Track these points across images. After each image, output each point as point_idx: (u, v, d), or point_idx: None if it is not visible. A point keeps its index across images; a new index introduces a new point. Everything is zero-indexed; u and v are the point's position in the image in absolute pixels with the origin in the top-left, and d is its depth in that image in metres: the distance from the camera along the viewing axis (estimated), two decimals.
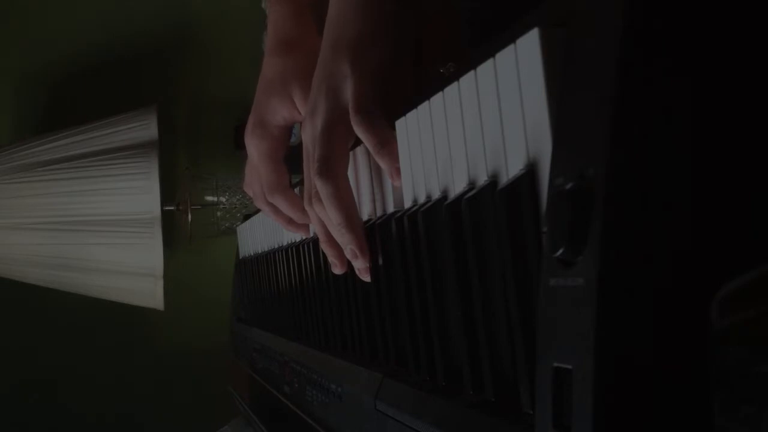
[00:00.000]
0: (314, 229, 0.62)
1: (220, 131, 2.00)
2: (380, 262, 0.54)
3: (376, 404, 0.53)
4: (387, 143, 0.52)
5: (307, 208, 0.60)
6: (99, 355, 1.92)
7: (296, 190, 0.74)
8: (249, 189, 0.76)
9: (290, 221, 0.74)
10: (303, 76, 0.69)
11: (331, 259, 0.60)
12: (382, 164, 0.52)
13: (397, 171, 0.51)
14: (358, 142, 0.56)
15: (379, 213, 0.56)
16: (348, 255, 0.56)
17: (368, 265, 0.55)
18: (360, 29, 0.56)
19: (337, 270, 0.60)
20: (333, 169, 0.55)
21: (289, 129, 0.73)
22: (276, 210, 0.74)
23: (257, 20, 0.78)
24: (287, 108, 0.71)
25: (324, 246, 0.60)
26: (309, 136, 0.58)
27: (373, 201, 0.56)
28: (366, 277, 0.56)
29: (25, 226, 1.65)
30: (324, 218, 0.58)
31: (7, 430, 1.91)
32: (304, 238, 0.74)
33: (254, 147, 0.72)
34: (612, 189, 0.27)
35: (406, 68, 0.56)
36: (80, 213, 1.64)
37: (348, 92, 0.55)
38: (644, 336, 0.27)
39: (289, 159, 0.72)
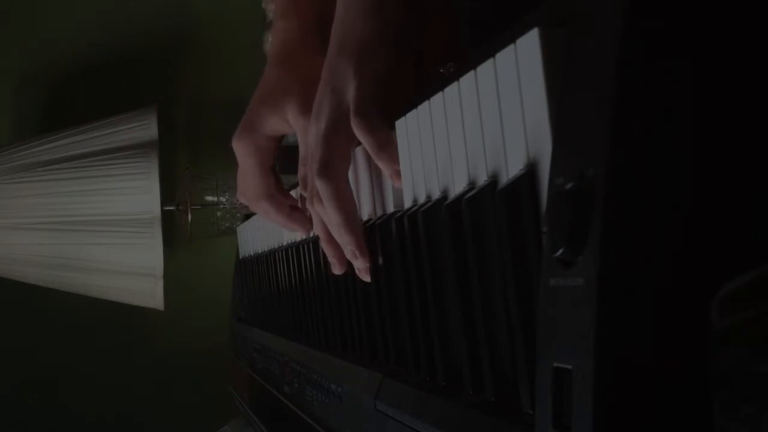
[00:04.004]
0: (315, 228, 0.62)
1: (220, 131, 2.00)
2: (380, 262, 0.54)
3: (376, 404, 0.53)
4: (386, 145, 0.52)
5: (308, 207, 0.61)
6: (99, 355, 1.92)
7: (294, 191, 0.74)
8: (242, 197, 0.76)
9: (288, 218, 0.74)
10: (300, 92, 0.69)
11: (331, 259, 0.60)
12: (382, 166, 0.53)
13: (397, 173, 0.51)
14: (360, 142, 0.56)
15: (379, 213, 0.56)
16: (348, 255, 0.57)
17: (368, 265, 0.56)
18: (365, 32, 0.56)
19: (337, 270, 0.61)
20: (333, 170, 0.56)
21: (276, 140, 0.73)
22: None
23: (257, 20, 0.78)
24: (278, 120, 0.71)
25: (324, 245, 0.61)
26: (312, 137, 0.58)
27: (373, 201, 0.56)
28: (366, 277, 0.56)
29: (25, 226, 1.65)
30: (324, 218, 0.58)
31: (7, 430, 1.91)
32: (304, 238, 0.74)
33: (241, 152, 0.73)
34: (612, 189, 0.28)
35: (408, 69, 0.57)
36: (80, 213, 1.64)
37: (350, 95, 0.55)
38: (644, 336, 0.27)
39: (289, 159, 0.72)
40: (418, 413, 0.46)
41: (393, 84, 0.55)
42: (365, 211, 0.58)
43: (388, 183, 0.53)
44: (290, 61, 0.72)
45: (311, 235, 0.72)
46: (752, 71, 0.28)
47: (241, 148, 0.73)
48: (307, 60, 0.71)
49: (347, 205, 0.56)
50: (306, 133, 0.67)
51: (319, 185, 0.56)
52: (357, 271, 0.57)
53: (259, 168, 0.72)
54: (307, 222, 0.73)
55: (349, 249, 0.56)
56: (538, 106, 0.34)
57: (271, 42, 0.76)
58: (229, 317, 1.27)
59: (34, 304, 1.89)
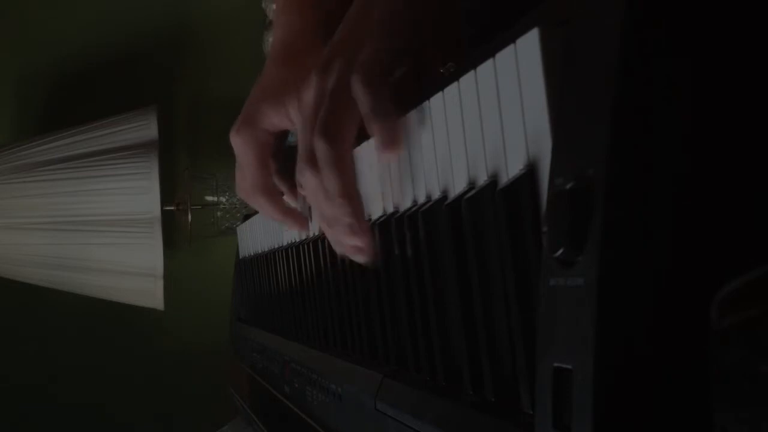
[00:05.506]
0: (309, 199, 0.56)
1: (220, 131, 2.00)
2: (380, 262, 0.54)
3: (376, 404, 0.53)
4: (382, 107, 0.47)
5: (298, 177, 0.54)
6: (99, 355, 1.92)
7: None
8: (240, 191, 0.76)
9: (284, 215, 0.74)
10: (302, 87, 0.68)
11: (331, 237, 0.54)
12: (374, 130, 0.48)
13: (390, 142, 0.47)
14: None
15: (379, 213, 0.56)
16: (344, 232, 0.51)
17: (364, 245, 0.51)
18: (390, 4, 0.53)
19: (340, 249, 0.54)
20: (338, 131, 0.50)
21: (276, 135, 0.72)
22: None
23: (257, 20, 0.78)
24: (279, 115, 0.70)
25: (321, 223, 0.55)
26: (315, 93, 0.53)
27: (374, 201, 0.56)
28: (361, 259, 0.51)
29: (25, 226, 1.65)
30: (314, 187, 0.52)
31: (7, 430, 1.91)
32: (304, 237, 0.74)
33: (239, 146, 0.71)
34: (612, 189, 0.28)
35: (427, 54, 0.54)
36: (80, 213, 1.64)
37: (365, 51, 0.51)
38: (644, 336, 0.27)
39: (287, 161, 0.72)
40: (418, 413, 0.46)
41: (411, 57, 0.52)
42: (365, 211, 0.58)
43: (389, 183, 0.53)
44: (292, 56, 0.71)
45: (311, 234, 0.72)
46: (752, 71, 0.28)
47: (240, 143, 0.72)
48: (309, 54, 0.71)
49: (349, 173, 0.51)
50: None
51: (319, 146, 0.50)
52: (351, 251, 0.51)
53: (256, 162, 0.72)
54: (304, 220, 0.73)
55: (346, 221, 0.50)
56: (538, 106, 0.34)
57: (272, 37, 0.75)
58: (229, 317, 1.27)
59: (34, 304, 1.89)
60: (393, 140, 0.47)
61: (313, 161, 0.52)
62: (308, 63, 0.70)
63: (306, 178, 0.53)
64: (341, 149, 0.50)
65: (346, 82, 0.51)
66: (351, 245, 0.51)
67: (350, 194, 0.51)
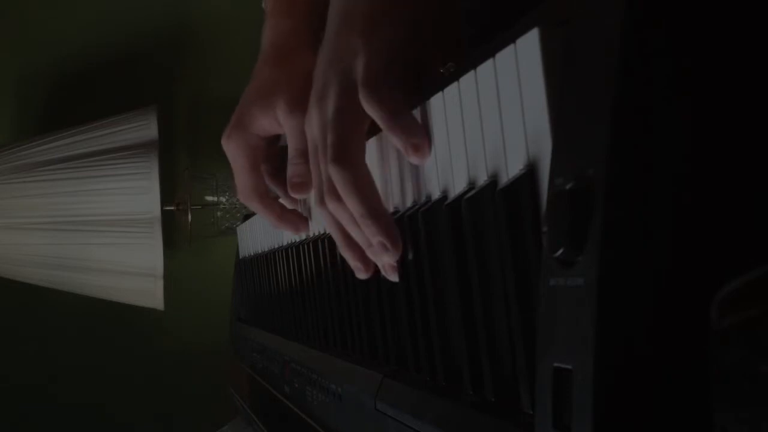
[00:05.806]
0: (330, 230, 0.55)
1: (220, 131, 1.99)
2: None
3: (376, 404, 0.53)
4: (399, 116, 0.47)
5: (319, 208, 0.54)
6: (99, 355, 1.92)
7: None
8: (239, 195, 0.75)
9: (278, 219, 0.73)
10: (291, 90, 0.67)
11: (354, 263, 0.53)
12: (396, 138, 0.47)
13: (414, 146, 0.46)
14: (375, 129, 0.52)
15: None
16: (376, 251, 0.50)
17: (399, 257, 0.49)
18: (374, 4, 0.52)
19: (362, 274, 0.54)
20: (350, 154, 0.50)
21: (266, 139, 0.72)
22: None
23: (257, 20, 0.78)
24: (268, 119, 0.69)
25: (344, 251, 0.54)
26: (317, 123, 0.52)
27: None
28: (393, 276, 0.50)
29: (25, 226, 1.65)
30: (341, 215, 0.52)
31: (7, 430, 1.91)
32: (303, 238, 0.74)
33: (231, 152, 0.71)
34: (612, 189, 0.28)
35: (427, 43, 0.53)
36: (80, 213, 1.64)
37: (359, 68, 0.50)
38: (644, 336, 0.27)
39: (282, 163, 0.71)
40: (418, 413, 0.46)
41: (410, 56, 0.51)
42: None
43: (388, 184, 0.53)
44: (282, 57, 0.71)
45: (310, 234, 0.72)
46: (752, 71, 0.28)
47: (231, 148, 0.71)
48: (298, 56, 0.70)
49: (370, 192, 0.50)
50: (295, 132, 0.66)
51: (335, 172, 0.50)
52: (382, 269, 0.51)
53: (248, 167, 0.71)
54: (299, 222, 0.72)
55: (377, 241, 0.49)
56: (538, 106, 0.34)
57: (262, 39, 0.75)
58: (229, 317, 1.27)
59: (34, 304, 1.89)
60: (419, 144, 0.46)
61: (332, 193, 0.51)
62: (298, 62, 0.70)
63: (330, 210, 0.53)
64: (357, 170, 0.50)
65: (344, 103, 0.50)
66: (388, 264, 0.50)
67: (377, 213, 0.49)
